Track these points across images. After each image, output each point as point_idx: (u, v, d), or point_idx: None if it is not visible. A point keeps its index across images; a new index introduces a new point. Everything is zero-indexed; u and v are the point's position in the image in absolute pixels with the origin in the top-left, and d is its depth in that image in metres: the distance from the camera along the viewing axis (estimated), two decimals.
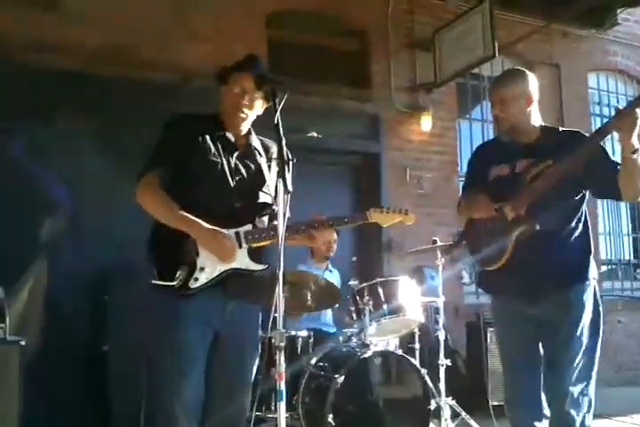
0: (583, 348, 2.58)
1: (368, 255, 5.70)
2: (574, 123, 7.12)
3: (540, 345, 2.68)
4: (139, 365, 3.40)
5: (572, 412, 2.55)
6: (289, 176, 2.17)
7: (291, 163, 2.19)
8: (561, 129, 2.82)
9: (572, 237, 2.64)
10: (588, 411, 2.60)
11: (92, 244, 4.43)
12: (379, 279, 3.92)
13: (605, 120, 7.11)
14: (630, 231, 7.54)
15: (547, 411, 2.65)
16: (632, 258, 7.51)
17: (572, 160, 2.52)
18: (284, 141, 2.20)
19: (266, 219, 2.58)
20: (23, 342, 3.27)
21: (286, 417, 2.17)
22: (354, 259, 4.91)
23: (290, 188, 2.16)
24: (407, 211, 2.56)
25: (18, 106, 4.33)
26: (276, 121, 2.21)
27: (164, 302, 2.38)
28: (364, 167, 6.01)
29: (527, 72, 2.80)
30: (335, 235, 4.82)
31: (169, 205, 2.39)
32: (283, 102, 2.25)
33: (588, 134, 2.69)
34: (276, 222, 2.29)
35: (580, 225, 2.68)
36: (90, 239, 4.45)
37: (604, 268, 7.21)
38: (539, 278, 2.59)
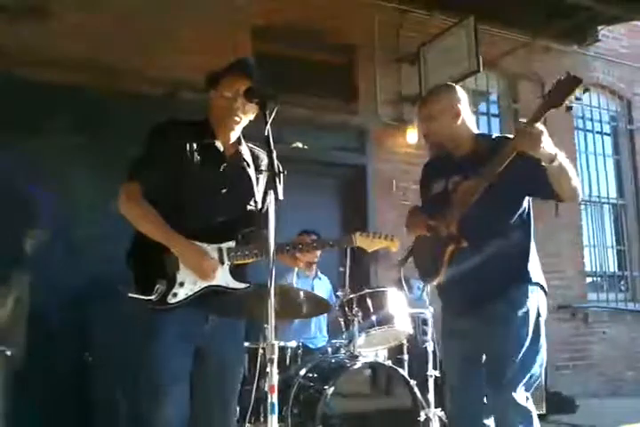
0: (521, 357, 2.52)
1: (355, 266, 5.68)
2: (559, 137, 7.16)
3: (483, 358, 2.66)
4: (121, 376, 3.38)
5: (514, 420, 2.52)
6: (280, 188, 2.15)
7: (282, 175, 2.15)
8: (494, 136, 2.79)
9: (507, 244, 2.59)
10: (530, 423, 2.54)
11: (77, 255, 4.41)
12: (367, 290, 3.92)
13: (584, 134, 7.34)
14: (614, 244, 7.59)
15: None
16: (616, 270, 7.56)
17: (485, 176, 2.47)
18: (274, 154, 2.16)
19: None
20: (9, 353, 3.24)
21: None
22: (341, 269, 4.89)
23: (281, 197, 2.14)
24: (393, 237, 2.59)
25: (4, 118, 4.31)
26: (266, 133, 2.17)
27: (143, 316, 2.34)
28: (350, 179, 6.04)
29: (452, 85, 2.81)
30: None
31: (152, 218, 2.33)
32: (272, 116, 2.20)
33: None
34: (260, 244, 2.29)
35: (516, 235, 2.62)
36: (74, 251, 4.42)
37: (588, 279, 7.24)
38: (472, 293, 2.58)
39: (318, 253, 4.74)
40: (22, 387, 3.51)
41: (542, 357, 2.61)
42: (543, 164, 2.40)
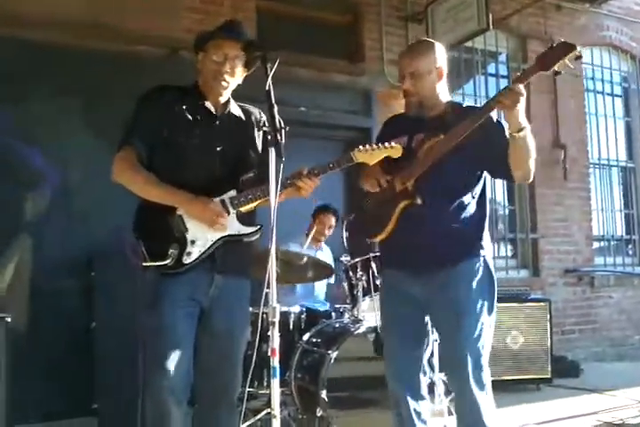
0: (475, 326, 2.50)
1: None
2: (568, 98, 7.08)
3: (428, 321, 2.64)
4: (125, 343, 3.36)
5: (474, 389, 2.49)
6: (282, 144, 2.10)
7: (283, 131, 2.12)
8: (465, 105, 2.74)
9: (462, 215, 2.57)
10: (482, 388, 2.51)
11: (79, 222, 4.36)
12: (371, 254, 3.85)
13: (594, 96, 7.21)
14: (622, 207, 7.52)
15: (424, 393, 2.67)
16: (624, 234, 7.50)
17: (454, 133, 2.45)
18: (275, 109, 2.14)
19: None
20: (9, 319, 3.23)
21: (279, 393, 2.13)
22: (345, 234, 4.84)
23: (283, 157, 2.10)
24: (392, 144, 2.46)
25: (1, 80, 4.19)
26: (267, 87, 2.14)
27: (150, 281, 2.33)
28: (355, 142, 5.89)
29: (437, 44, 2.70)
30: (334, 220, 4.76)
31: (148, 179, 2.33)
32: (274, 69, 2.17)
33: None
34: (262, 186, 2.27)
35: (474, 202, 2.61)
36: (76, 217, 4.38)
37: (596, 244, 7.18)
38: (421, 254, 2.53)
39: (330, 230, 4.75)
40: (24, 354, 3.50)
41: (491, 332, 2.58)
42: (509, 132, 2.43)
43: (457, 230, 2.56)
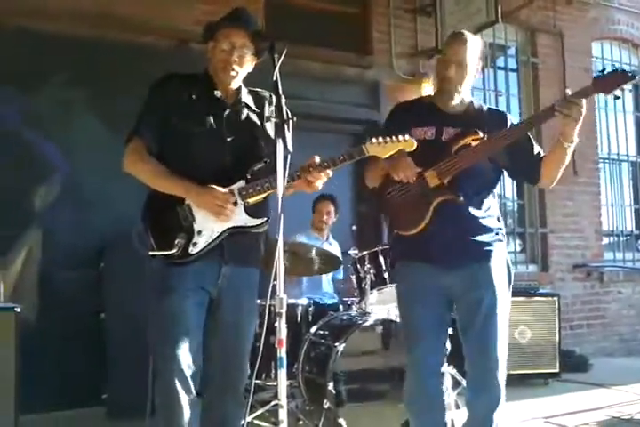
0: (501, 318, 2.55)
1: (367, 224, 5.63)
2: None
3: (456, 313, 2.64)
4: (135, 333, 3.37)
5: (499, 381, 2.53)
6: (289, 135, 2.09)
7: (290, 122, 2.10)
8: (487, 107, 2.76)
9: (487, 211, 2.63)
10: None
11: (88, 212, 4.38)
12: (379, 247, 3.84)
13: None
14: (632, 202, 7.48)
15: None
16: (634, 229, 7.47)
17: (504, 137, 2.49)
18: (282, 99, 2.12)
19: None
20: (18, 309, 3.24)
21: (286, 385, 2.12)
22: (354, 228, 4.84)
23: (290, 148, 2.08)
24: (406, 137, 2.36)
25: (8, 72, 4.22)
26: (274, 77, 2.13)
27: (158, 271, 2.33)
28: (362, 135, 5.90)
29: (482, 41, 2.69)
30: (332, 206, 4.79)
31: (156, 170, 2.34)
32: (281, 59, 2.14)
33: (507, 114, 2.76)
34: (270, 177, 2.25)
35: (494, 201, 2.70)
36: (85, 208, 4.39)
37: (605, 239, 7.15)
38: (454, 249, 2.54)
39: (332, 216, 4.77)
40: (33, 344, 3.52)
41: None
42: (561, 142, 2.49)
43: (486, 226, 2.60)
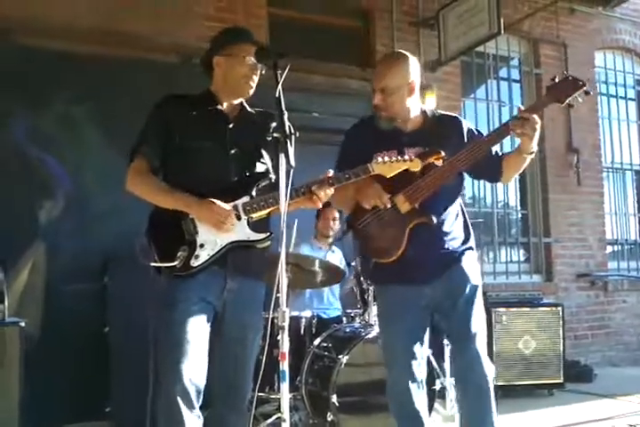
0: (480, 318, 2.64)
1: None
2: (581, 103, 7.01)
3: (439, 322, 2.71)
4: (139, 347, 3.38)
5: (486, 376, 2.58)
6: (291, 151, 2.12)
7: (293, 137, 2.13)
8: (439, 113, 2.77)
9: (455, 222, 2.69)
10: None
11: (92, 227, 4.39)
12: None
13: (607, 100, 7.15)
14: (636, 211, 7.47)
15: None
16: (638, 238, 7.45)
17: (467, 157, 2.52)
18: (285, 115, 2.15)
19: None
20: (23, 324, 3.25)
21: (290, 398, 2.14)
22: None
23: (292, 163, 2.11)
24: (412, 157, 2.42)
25: (15, 89, 4.26)
26: (277, 94, 2.16)
27: (163, 283, 2.35)
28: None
29: (407, 56, 2.69)
30: (336, 213, 4.79)
31: (159, 189, 2.39)
32: (284, 76, 2.18)
33: (460, 118, 2.78)
34: (274, 193, 2.28)
35: (459, 211, 2.74)
36: (90, 222, 4.40)
37: (609, 248, 7.13)
38: (430, 265, 2.59)
39: (337, 224, 4.78)
40: (38, 358, 3.53)
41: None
42: (520, 153, 2.56)
43: (456, 237, 2.66)
